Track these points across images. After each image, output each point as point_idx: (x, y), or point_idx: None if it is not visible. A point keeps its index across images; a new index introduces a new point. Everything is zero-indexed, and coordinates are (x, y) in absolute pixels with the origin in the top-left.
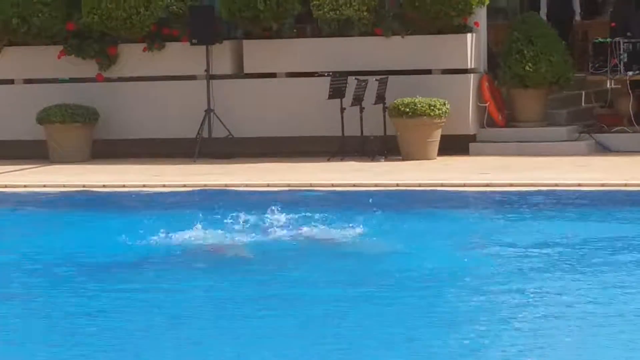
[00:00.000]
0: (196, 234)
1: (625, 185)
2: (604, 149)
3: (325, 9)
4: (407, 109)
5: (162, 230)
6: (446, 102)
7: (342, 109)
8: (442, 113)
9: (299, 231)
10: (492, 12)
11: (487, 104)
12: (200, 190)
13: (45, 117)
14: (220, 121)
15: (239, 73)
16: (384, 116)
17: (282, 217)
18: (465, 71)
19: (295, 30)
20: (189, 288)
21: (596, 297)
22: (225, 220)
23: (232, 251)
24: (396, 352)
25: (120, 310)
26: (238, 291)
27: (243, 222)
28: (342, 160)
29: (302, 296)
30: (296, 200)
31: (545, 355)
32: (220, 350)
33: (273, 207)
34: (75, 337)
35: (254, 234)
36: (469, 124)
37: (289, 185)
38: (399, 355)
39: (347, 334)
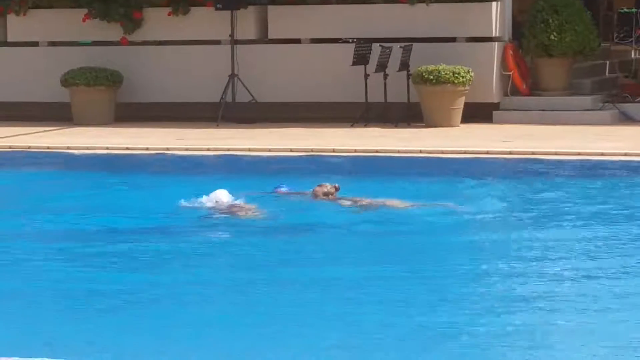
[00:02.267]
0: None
1: None
2: (627, 119)
3: None
4: (431, 77)
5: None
6: (470, 70)
7: (366, 76)
8: (466, 81)
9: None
10: None
11: (511, 73)
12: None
13: (69, 80)
14: (244, 86)
15: (264, 38)
16: (408, 83)
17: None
18: (489, 39)
19: None
20: None
21: None
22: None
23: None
24: None
25: None
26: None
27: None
28: (365, 126)
29: None
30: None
31: None
32: None
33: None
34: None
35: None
36: (492, 92)
37: (312, 151)
38: None
39: None
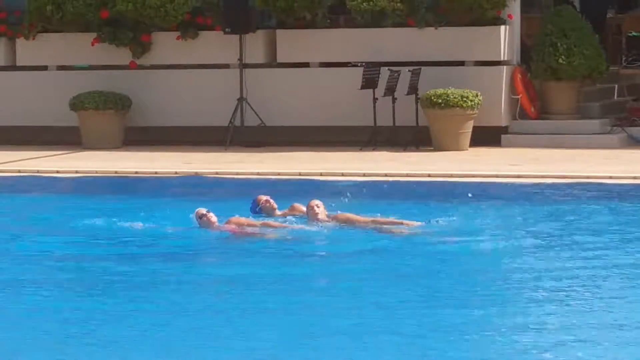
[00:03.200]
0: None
1: None
2: (636, 142)
3: (359, 0)
4: (440, 100)
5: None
6: (479, 94)
7: (375, 99)
8: (475, 104)
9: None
10: (525, 5)
11: (519, 96)
12: (234, 178)
13: (78, 104)
14: (253, 110)
15: (272, 62)
16: (417, 107)
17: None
18: (498, 63)
19: (328, 21)
20: None
21: None
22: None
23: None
24: None
25: None
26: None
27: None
28: (374, 150)
29: None
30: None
31: None
32: None
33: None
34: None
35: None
36: (501, 116)
37: (321, 175)
38: None
39: None
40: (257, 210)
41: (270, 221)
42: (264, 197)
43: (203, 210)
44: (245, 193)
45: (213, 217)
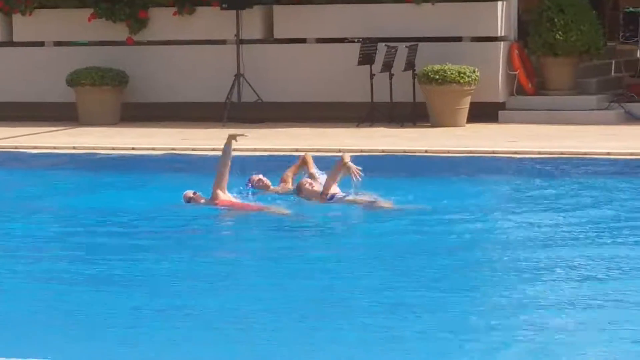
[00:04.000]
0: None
1: None
2: (633, 118)
3: None
4: (437, 76)
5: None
6: (476, 70)
7: (372, 75)
8: (472, 80)
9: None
10: None
11: (517, 72)
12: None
13: (75, 80)
14: (250, 86)
15: (269, 38)
16: (414, 83)
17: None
18: (495, 39)
19: None
20: None
21: None
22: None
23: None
24: None
25: None
26: None
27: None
28: (371, 126)
29: None
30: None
31: None
32: None
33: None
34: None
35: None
36: (498, 92)
37: (318, 151)
38: None
39: None
40: (249, 186)
41: (251, 203)
42: (256, 177)
43: (190, 193)
44: (242, 169)
45: (201, 199)
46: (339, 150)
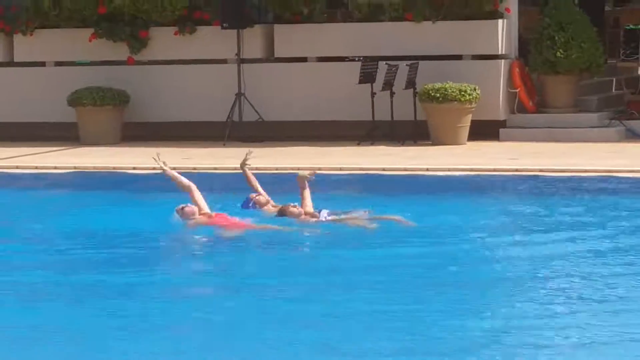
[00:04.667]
0: None
1: None
2: (634, 136)
3: None
4: (438, 94)
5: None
6: (477, 88)
7: (373, 94)
8: (473, 98)
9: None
10: None
11: (517, 90)
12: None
13: (76, 100)
14: (251, 105)
15: (270, 57)
16: (415, 101)
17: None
18: (496, 57)
19: (325, 15)
20: None
21: None
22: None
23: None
24: None
25: None
26: None
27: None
28: (372, 144)
29: None
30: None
31: None
32: None
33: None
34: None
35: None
36: (499, 110)
37: (319, 169)
38: None
39: None
40: (251, 205)
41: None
42: (254, 194)
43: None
44: (243, 188)
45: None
46: (340, 169)
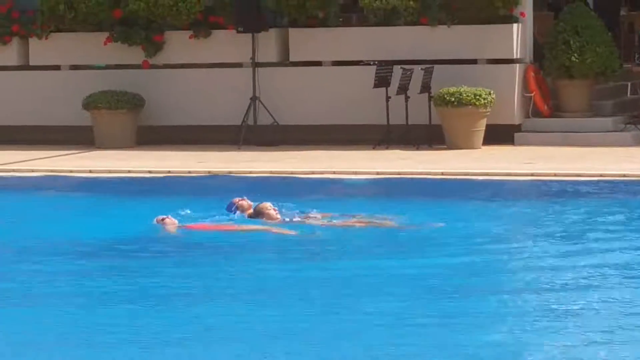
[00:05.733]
0: None
1: None
2: None
3: None
4: (453, 98)
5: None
6: (491, 92)
7: (388, 98)
8: (488, 103)
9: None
10: (538, 3)
11: (532, 94)
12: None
13: (91, 103)
14: (266, 108)
15: (285, 61)
16: (429, 105)
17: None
18: (511, 61)
19: (341, 19)
20: None
21: None
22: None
23: None
24: None
25: None
26: None
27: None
28: (387, 148)
29: None
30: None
31: None
32: None
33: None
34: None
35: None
36: (514, 114)
37: (333, 173)
38: None
39: None
40: (233, 209)
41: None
42: (237, 198)
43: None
44: (258, 191)
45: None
46: (355, 172)
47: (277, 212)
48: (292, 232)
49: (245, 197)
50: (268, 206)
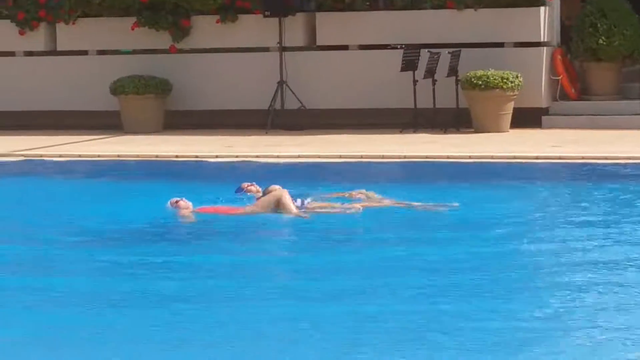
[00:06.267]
0: None
1: None
2: None
3: None
4: (480, 82)
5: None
6: (519, 75)
7: (415, 82)
8: (515, 86)
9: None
10: None
11: (559, 77)
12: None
13: (118, 88)
14: (293, 93)
15: (312, 45)
16: (457, 89)
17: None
18: (538, 44)
19: (367, 3)
20: None
21: None
22: None
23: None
24: None
25: None
26: None
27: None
28: (414, 132)
29: None
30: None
31: None
32: None
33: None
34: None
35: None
36: (541, 97)
37: (361, 157)
38: None
39: None
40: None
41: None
42: (247, 183)
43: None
44: (285, 176)
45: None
46: (382, 156)
47: (293, 201)
48: (306, 216)
49: (254, 183)
50: (277, 188)
